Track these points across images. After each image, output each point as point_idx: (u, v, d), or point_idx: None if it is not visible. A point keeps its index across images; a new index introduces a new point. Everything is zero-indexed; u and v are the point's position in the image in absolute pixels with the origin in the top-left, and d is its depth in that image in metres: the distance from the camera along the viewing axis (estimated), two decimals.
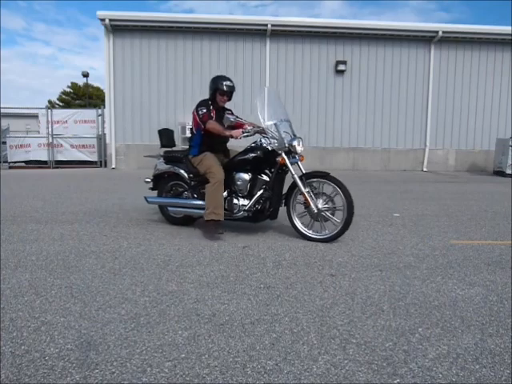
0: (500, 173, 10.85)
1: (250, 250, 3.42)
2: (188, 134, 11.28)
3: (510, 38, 11.67)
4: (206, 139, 3.95)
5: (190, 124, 11.23)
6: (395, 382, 1.58)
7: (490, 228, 4.38)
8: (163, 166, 4.33)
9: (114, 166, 11.66)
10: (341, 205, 3.59)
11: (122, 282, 2.62)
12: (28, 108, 19.67)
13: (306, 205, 3.71)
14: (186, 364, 1.67)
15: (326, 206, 3.69)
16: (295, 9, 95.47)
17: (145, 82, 11.57)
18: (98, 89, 36.01)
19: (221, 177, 3.78)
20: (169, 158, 4.31)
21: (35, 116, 15.04)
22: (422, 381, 1.59)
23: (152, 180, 4.44)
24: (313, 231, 3.76)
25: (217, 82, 3.95)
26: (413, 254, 3.34)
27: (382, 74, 11.96)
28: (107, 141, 11.86)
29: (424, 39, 11.81)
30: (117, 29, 11.27)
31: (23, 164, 12.71)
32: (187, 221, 4.33)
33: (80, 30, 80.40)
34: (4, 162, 12.78)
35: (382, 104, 12.01)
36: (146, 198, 4.40)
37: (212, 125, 3.81)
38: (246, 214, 3.84)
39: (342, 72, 11.84)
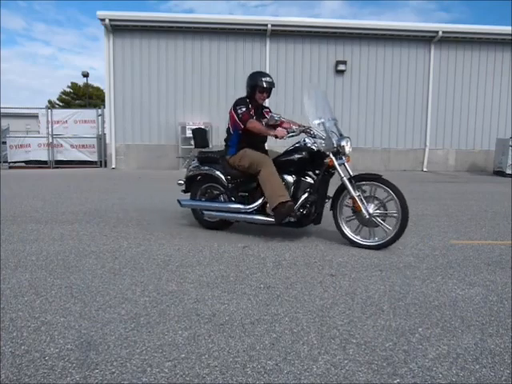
0: (500, 173, 10.86)
1: (250, 250, 3.42)
2: (189, 134, 11.28)
3: (510, 37, 11.67)
4: (245, 138, 3.76)
5: (191, 124, 11.25)
6: (395, 382, 1.58)
7: (489, 228, 4.38)
8: (197, 168, 4.12)
9: (113, 166, 11.66)
10: (394, 210, 3.36)
11: (122, 281, 2.61)
12: (28, 108, 19.66)
13: (357, 210, 3.45)
14: (186, 364, 1.67)
15: (378, 210, 3.44)
16: (295, 9, 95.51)
17: (145, 82, 11.57)
18: (98, 89, 36.00)
19: (270, 162, 3.57)
20: (203, 159, 4.09)
21: (35, 116, 15.04)
22: (422, 381, 1.59)
23: (185, 182, 4.24)
24: (362, 237, 3.52)
25: (256, 78, 3.77)
26: (413, 254, 3.34)
27: (381, 74, 11.96)
28: (107, 141, 11.86)
29: (424, 39, 11.81)
30: (117, 29, 11.26)
31: (23, 164, 12.71)
32: (222, 225, 4.12)
33: (80, 30, 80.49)
34: (4, 162, 12.79)
35: (382, 104, 12.01)
36: (179, 201, 4.19)
37: (253, 124, 3.63)
38: (290, 219, 3.61)
39: (342, 72, 11.83)
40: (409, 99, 12.05)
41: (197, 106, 11.45)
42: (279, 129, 3.64)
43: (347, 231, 3.59)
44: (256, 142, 3.84)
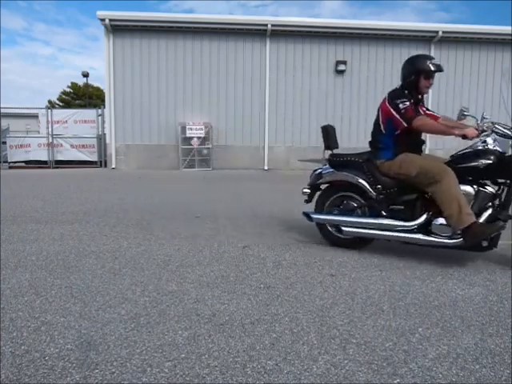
0: None
1: (250, 249, 3.42)
2: (189, 134, 11.26)
3: (510, 38, 11.69)
4: (405, 140, 3.11)
5: (191, 124, 11.25)
6: (395, 382, 1.58)
7: None
8: (332, 174, 3.47)
9: (113, 166, 11.66)
10: None
11: (122, 282, 2.61)
12: (28, 108, 19.64)
13: None
14: (186, 364, 1.67)
15: None
16: (295, 9, 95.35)
17: (145, 82, 11.58)
18: (98, 89, 36.00)
19: (452, 171, 2.87)
20: (338, 163, 3.44)
21: (35, 116, 15.06)
22: (422, 381, 1.58)
23: (310, 190, 3.65)
24: None
25: (420, 61, 3.08)
26: (413, 254, 3.34)
27: (382, 74, 11.96)
28: (107, 141, 11.87)
29: (424, 39, 11.83)
30: (117, 29, 11.27)
31: (23, 164, 12.73)
32: (358, 244, 3.40)
33: (80, 30, 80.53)
34: (4, 161, 12.80)
35: None
36: (307, 215, 3.51)
37: (424, 121, 2.98)
38: (483, 242, 2.92)
39: (342, 72, 11.84)
40: None
41: (197, 106, 11.45)
42: (471, 128, 2.93)
43: None
44: (418, 144, 3.25)
